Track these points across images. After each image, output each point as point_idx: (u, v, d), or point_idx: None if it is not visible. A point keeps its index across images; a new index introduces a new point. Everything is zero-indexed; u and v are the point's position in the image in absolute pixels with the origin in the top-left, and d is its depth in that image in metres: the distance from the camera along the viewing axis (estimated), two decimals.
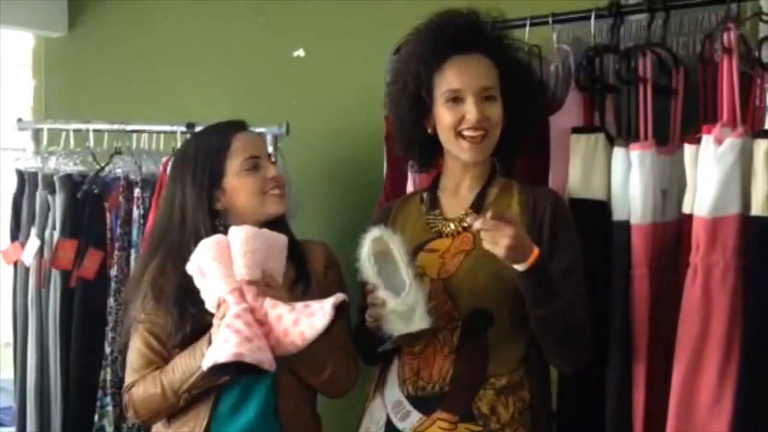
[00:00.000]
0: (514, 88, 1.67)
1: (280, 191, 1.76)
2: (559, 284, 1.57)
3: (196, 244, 1.65)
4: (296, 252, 1.76)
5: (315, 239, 1.88)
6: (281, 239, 1.65)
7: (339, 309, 1.53)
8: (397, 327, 1.56)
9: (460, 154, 1.66)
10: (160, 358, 1.73)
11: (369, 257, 1.58)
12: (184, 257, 1.66)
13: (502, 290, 1.61)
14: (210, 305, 1.60)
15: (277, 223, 1.77)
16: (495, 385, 1.60)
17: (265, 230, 1.63)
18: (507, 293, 1.60)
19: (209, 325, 1.63)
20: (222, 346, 1.48)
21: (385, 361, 1.71)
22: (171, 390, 1.66)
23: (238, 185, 1.75)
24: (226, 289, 1.56)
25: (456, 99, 1.63)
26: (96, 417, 2.48)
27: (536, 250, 1.51)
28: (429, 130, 1.70)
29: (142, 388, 1.71)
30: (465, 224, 1.65)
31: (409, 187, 1.99)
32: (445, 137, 1.66)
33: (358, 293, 1.76)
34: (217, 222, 1.75)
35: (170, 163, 2.10)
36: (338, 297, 1.54)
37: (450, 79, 1.63)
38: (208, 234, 1.68)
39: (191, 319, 1.68)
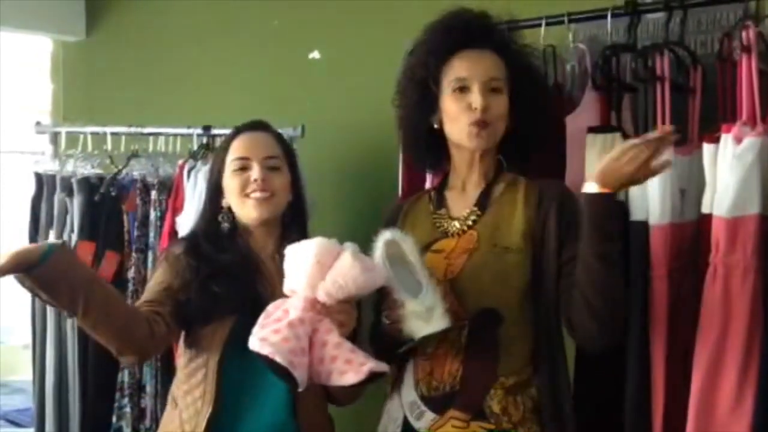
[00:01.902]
0: (522, 88, 1.66)
1: (261, 195, 1.71)
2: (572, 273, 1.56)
3: (203, 236, 1.72)
4: None
5: None
6: (380, 279, 1.55)
7: (374, 375, 1.49)
8: (417, 328, 1.55)
9: (465, 143, 1.65)
10: (165, 297, 1.66)
11: (384, 260, 1.57)
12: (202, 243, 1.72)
13: (507, 288, 1.60)
14: (286, 288, 1.56)
15: (291, 226, 1.77)
16: (504, 385, 1.59)
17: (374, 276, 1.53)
18: (512, 291, 1.60)
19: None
20: (280, 343, 1.46)
21: (402, 361, 1.70)
22: None
23: (227, 185, 1.75)
24: (306, 292, 1.51)
25: (462, 88, 1.63)
26: (114, 418, 2.50)
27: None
28: (435, 125, 1.70)
29: None
30: (469, 223, 1.66)
31: (427, 187, 1.98)
32: (450, 127, 1.66)
33: (374, 294, 1.75)
34: (221, 218, 1.76)
35: None
36: (381, 366, 1.50)
37: (458, 68, 1.64)
38: (213, 227, 1.74)
39: (213, 298, 1.66)
